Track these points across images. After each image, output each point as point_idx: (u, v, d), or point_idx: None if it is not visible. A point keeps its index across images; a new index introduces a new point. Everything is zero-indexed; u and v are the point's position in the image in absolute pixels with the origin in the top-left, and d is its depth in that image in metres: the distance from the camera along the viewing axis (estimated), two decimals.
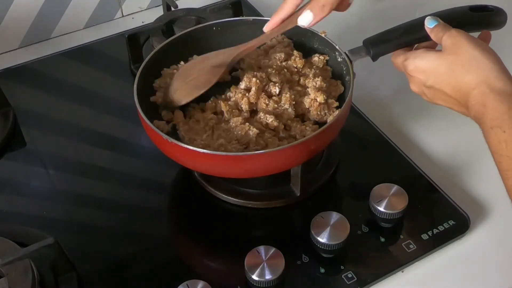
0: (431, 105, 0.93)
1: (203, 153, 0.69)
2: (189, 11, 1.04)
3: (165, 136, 0.70)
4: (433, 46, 0.73)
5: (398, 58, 0.73)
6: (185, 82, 0.79)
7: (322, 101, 0.77)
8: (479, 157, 0.86)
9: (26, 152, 0.89)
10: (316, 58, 0.83)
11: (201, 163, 0.72)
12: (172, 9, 1.04)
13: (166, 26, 1.01)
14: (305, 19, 0.73)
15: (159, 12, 1.08)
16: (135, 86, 0.76)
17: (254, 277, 0.68)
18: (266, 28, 0.77)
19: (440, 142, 0.88)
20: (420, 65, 0.69)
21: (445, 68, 0.66)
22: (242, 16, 1.06)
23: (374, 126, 0.89)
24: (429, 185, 0.81)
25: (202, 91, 0.78)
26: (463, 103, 0.66)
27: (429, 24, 0.70)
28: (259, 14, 1.12)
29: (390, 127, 0.90)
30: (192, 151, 0.69)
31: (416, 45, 0.75)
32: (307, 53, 0.85)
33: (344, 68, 0.80)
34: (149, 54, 0.82)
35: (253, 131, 0.73)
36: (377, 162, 0.85)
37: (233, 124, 0.75)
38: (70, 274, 0.70)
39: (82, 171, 0.85)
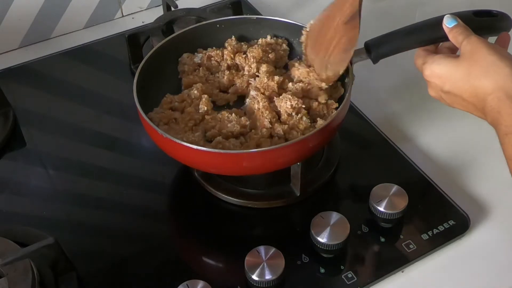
0: (431, 105, 0.93)
1: (200, 150, 0.69)
2: (189, 11, 1.04)
3: (160, 131, 0.71)
4: (455, 47, 0.72)
5: (418, 59, 0.72)
6: (328, 54, 0.78)
7: (323, 101, 0.78)
8: (479, 157, 0.86)
9: (26, 152, 0.89)
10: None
11: (200, 160, 0.72)
12: (172, 9, 1.04)
13: (166, 26, 1.01)
14: None
15: (159, 12, 1.08)
16: (135, 81, 0.76)
17: (254, 277, 0.68)
18: None
19: (440, 142, 0.88)
20: (436, 70, 0.68)
21: (461, 73, 0.66)
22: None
23: (374, 126, 0.89)
24: (429, 185, 0.81)
25: (353, 51, 0.75)
26: (480, 108, 0.66)
27: (448, 24, 0.70)
28: (259, 14, 1.12)
29: (390, 127, 0.90)
30: (190, 148, 0.69)
31: (440, 44, 0.74)
32: None
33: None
34: (151, 50, 0.82)
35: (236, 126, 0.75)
36: (377, 162, 0.85)
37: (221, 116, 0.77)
38: (70, 274, 0.70)
39: (82, 171, 0.85)
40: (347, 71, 0.78)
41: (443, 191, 0.80)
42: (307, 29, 0.82)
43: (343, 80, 0.81)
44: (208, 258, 0.76)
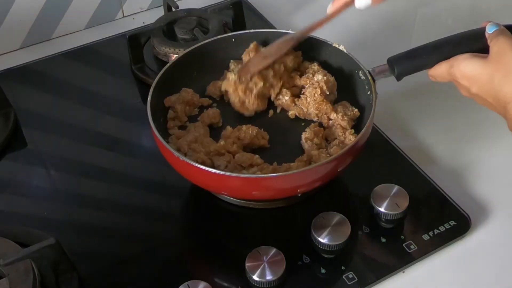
0: (432, 106, 0.94)
1: (214, 173, 0.69)
2: (189, 11, 1.04)
3: (176, 154, 0.71)
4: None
5: (440, 68, 0.70)
6: (255, 56, 0.83)
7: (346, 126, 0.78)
8: (480, 157, 0.86)
9: (27, 153, 0.89)
10: (350, 112, 0.82)
11: (211, 183, 0.73)
12: (173, 9, 1.05)
13: (167, 26, 1.02)
14: (363, 2, 0.73)
15: (160, 12, 1.08)
16: (148, 99, 0.77)
17: (255, 277, 0.68)
18: (330, 10, 0.77)
19: (441, 143, 0.88)
20: (465, 71, 0.67)
21: (486, 77, 0.65)
22: (243, 17, 1.06)
23: (375, 126, 0.89)
24: (430, 186, 0.81)
25: (273, 59, 0.81)
26: (503, 114, 0.65)
27: (489, 30, 0.68)
28: (259, 15, 1.12)
29: (391, 127, 0.90)
30: (204, 170, 0.69)
31: None
32: (333, 72, 0.85)
33: (367, 87, 0.80)
34: (164, 67, 0.82)
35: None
36: (378, 162, 0.85)
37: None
38: (71, 275, 0.70)
39: (83, 171, 0.85)
40: (370, 88, 0.77)
41: (444, 192, 0.80)
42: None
43: (364, 94, 0.80)
44: (209, 259, 0.76)
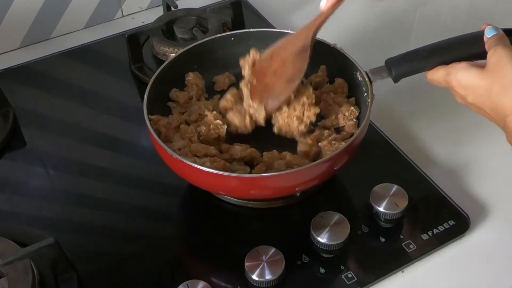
0: (431, 106, 0.94)
1: (209, 172, 0.69)
2: (189, 11, 1.04)
3: (170, 151, 0.71)
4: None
5: (437, 73, 0.70)
6: (272, 83, 0.76)
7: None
8: (479, 157, 0.86)
9: (26, 152, 0.89)
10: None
11: (207, 182, 0.73)
12: (172, 9, 1.04)
13: (166, 26, 1.01)
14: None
15: (159, 12, 1.08)
16: (145, 96, 0.77)
17: (254, 277, 0.68)
18: (324, 7, 0.73)
19: (440, 142, 0.88)
20: (462, 81, 0.67)
21: (483, 88, 0.64)
22: (243, 16, 1.06)
23: (374, 126, 0.89)
24: (429, 185, 0.81)
25: (298, 82, 0.74)
26: (501, 126, 0.65)
27: (488, 34, 0.67)
28: (259, 15, 1.12)
29: (390, 127, 0.90)
30: (199, 170, 0.69)
31: None
32: (331, 73, 0.85)
33: (364, 88, 0.79)
34: (161, 65, 0.82)
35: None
36: (377, 162, 0.85)
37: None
38: (70, 274, 0.70)
39: (82, 171, 0.85)
40: (367, 92, 0.77)
41: (443, 191, 0.80)
42: (251, 58, 0.79)
43: (361, 95, 0.80)
44: (208, 258, 0.76)
